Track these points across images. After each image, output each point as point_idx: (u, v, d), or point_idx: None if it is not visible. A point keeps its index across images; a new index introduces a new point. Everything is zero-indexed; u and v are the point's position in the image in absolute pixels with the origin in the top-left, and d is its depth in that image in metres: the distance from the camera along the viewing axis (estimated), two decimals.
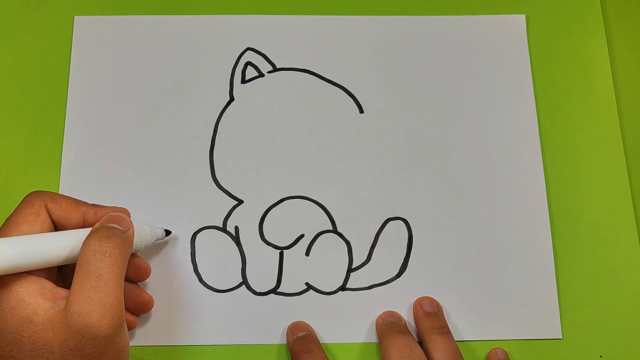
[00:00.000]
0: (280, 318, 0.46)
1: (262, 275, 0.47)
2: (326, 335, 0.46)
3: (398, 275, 0.47)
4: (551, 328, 0.46)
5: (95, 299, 0.34)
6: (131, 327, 0.43)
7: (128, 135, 0.50)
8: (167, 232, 0.46)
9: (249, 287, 0.47)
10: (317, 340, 0.45)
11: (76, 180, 0.48)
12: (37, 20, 0.52)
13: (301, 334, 0.45)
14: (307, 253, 0.48)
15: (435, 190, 0.49)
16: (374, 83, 0.52)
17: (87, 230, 0.39)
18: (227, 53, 0.52)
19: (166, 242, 0.47)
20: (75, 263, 0.36)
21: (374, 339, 0.46)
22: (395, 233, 0.48)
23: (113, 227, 0.38)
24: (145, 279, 0.45)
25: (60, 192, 0.48)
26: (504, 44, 0.53)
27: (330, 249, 0.48)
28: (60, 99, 0.50)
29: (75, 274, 0.35)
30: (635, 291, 0.47)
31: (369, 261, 0.48)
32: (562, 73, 0.52)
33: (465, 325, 0.46)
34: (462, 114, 0.51)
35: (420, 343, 0.45)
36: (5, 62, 0.51)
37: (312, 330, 0.46)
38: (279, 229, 0.48)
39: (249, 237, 0.48)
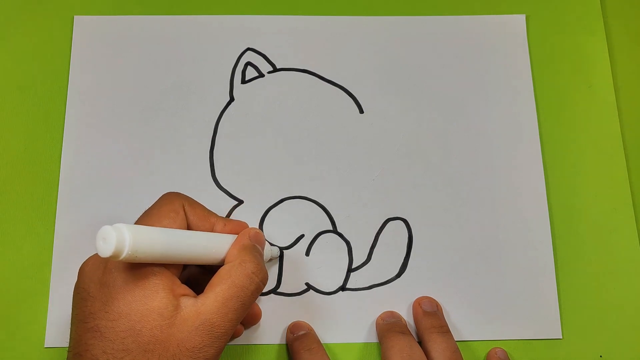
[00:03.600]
0: (280, 318, 0.46)
1: None
2: (326, 335, 0.46)
3: (398, 275, 0.48)
4: (551, 328, 0.46)
5: (232, 317, 0.36)
6: (237, 335, 0.45)
7: (128, 135, 0.50)
8: (281, 252, 0.47)
9: None
10: (317, 339, 0.45)
11: (76, 180, 0.48)
12: (37, 20, 0.52)
13: (301, 332, 0.45)
14: (307, 253, 0.48)
15: (435, 190, 0.49)
16: (374, 83, 0.52)
17: (233, 237, 0.41)
18: (227, 53, 0.52)
19: None
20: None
21: (374, 339, 0.46)
22: (395, 233, 0.48)
23: (262, 254, 0.40)
24: (256, 322, 0.46)
25: (60, 192, 0.48)
26: (504, 44, 0.53)
27: (330, 249, 0.48)
28: (60, 99, 0.50)
29: (220, 284, 0.37)
30: (635, 291, 0.47)
31: (369, 261, 0.48)
32: (562, 73, 0.52)
33: (465, 325, 0.46)
34: (462, 114, 0.51)
35: (420, 342, 0.45)
36: (5, 62, 0.51)
37: (312, 330, 0.46)
38: (279, 229, 0.48)
39: None
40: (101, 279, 0.36)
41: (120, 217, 0.48)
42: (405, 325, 0.45)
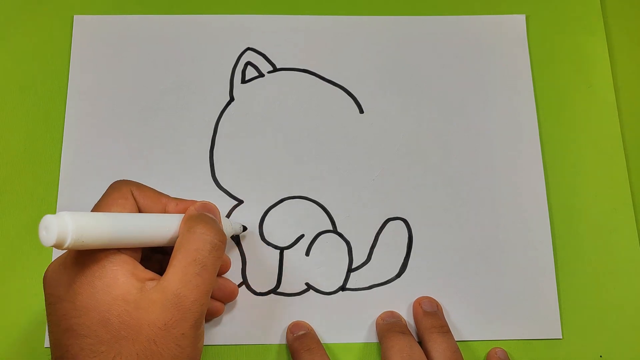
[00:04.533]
0: (280, 318, 0.46)
1: (262, 275, 0.47)
2: (326, 335, 0.46)
3: (398, 275, 0.48)
4: (551, 328, 0.46)
5: (196, 284, 0.36)
6: (218, 314, 0.45)
7: (128, 135, 0.50)
8: (244, 228, 0.47)
9: (249, 287, 0.47)
10: (317, 339, 0.45)
11: (76, 180, 0.48)
12: (37, 20, 0.52)
13: (301, 332, 0.45)
14: (307, 253, 0.48)
15: (435, 190, 0.49)
16: (374, 83, 0.52)
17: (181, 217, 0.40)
18: (227, 53, 0.52)
19: None
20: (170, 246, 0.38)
21: (374, 339, 0.46)
22: (395, 233, 0.48)
23: (213, 219, 0.39)
24: (225, 272, 0.46)
25: (59, 192, 0.48)
26: (504, 44, 0.53)
27: (330, 249, 0.48)
28: (60, 99, 0.50)
29: (176, 256, 0.36)
30: (635, 291, 0.47)
31: (369, 261, 0.48)
32: (562, 73, 0.52)
33: (465, 325, 0.46)
34: (462, 114, 0.51)
35: (420, 343, 0.45)
36: (5, 62, 0.51)
37: (312, 329, 0.46)
38: (279, 229, 0.48)
39: (249, 237, 0.48)
40: (64, 279, 0.36)
41: None
42: (405, 325, 0.45)
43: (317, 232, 0.48)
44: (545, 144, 0.51)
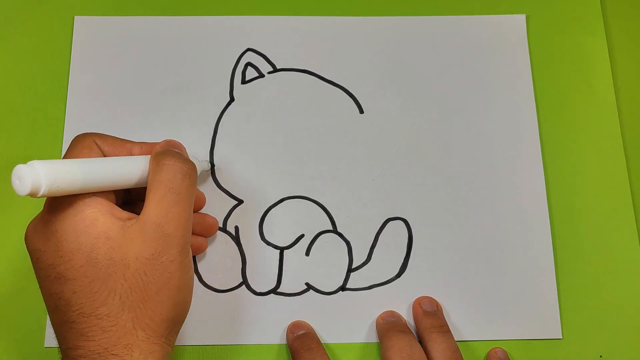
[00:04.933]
0: (280, 318, 0.46)
1: (262, 275, 0.47)
2: (326, 335, 0.46)
3: (398, 275, 0.48)
4: (551, 328, 0.46)
5: (175, 212, 0.37)
6: (202, 249, 0.46)
7: (128, 136, 0.49)
8: (211, 164, 0.48)
9: (249, 287, 0.47)
10: (317, 339, 0.45)
11: None
12: (37, 20, 0.52)
13: (301, 332, 0.45)
14: (307, 253, 0.48)
15: (435, 190, 0.49)
16: (374, 83, 0.52)
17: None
18: (228, 54, 0.52)
19: None
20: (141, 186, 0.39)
21: (374, 339, 0.46)
22: (395, 233, 0.48)
23: (179, 152, 0.40)
24: (201, 208, 0.46)
25: None
26: (504, 44, 0.53)
27: (330, 249, 0.48)
28: (61, 100, 0.50)
29: (151, 190, 0.37)
30: (635, 291, 0.47)
31: (369, 261, 0.48)
32: (562, 73, 0.52)
33: (465, 325, 0.46)
34: (462, 114, 0.51)
35: (420, 342, 0.45)
36: (5, 62, 0.51)
37: (312, 329, 0.46)
38: (279, 229, 0.48)
39: (249, 237, 0.48)
40: (45, 232, 0.36)
41: None
42: (406, 324, 0.45)
43: (317, 232, 0.48)
44: (545, 144, 0.51)
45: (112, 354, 0.35)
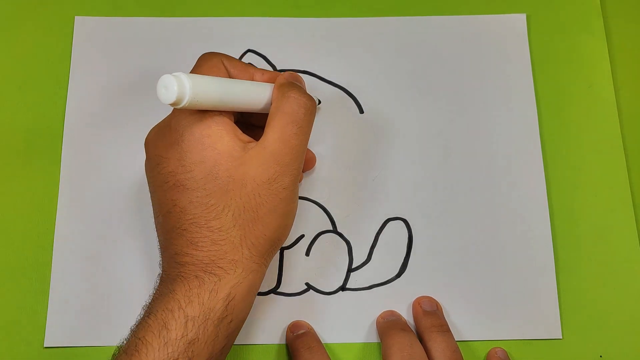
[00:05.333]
0: (280, 318, 0.46)
1: None
2: (326, 335, 0.46)
3: (398, 275, 0.47)
4: (551, 328, 0.46)
5: (293, 143, 0.39)
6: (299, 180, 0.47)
7: (128, 136, 0.50)
8: (319, 101, 0.49)
9: None
10: (318, 338, 0.45)
11: (76, 180, 0.48)
12: (37, 20, 0.52)
13: (301, 331, 0.45)
14: (307, 253, 0.48)
15: (435, 190, 0.49)
16: (374, 83, 0.52)
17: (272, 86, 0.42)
18: (228, 54, 0.52)
19: None
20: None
21: (374, 339, 0.46)
22: (395, 233, 0.48)
23: (299, 85, 0.42)
24: (310, 169, 0.49)
25: (60, 192, 0.48)
26: (504, 43, 0.53)
27: (330, 249, 0.48)
28: (60, 99, 0.50)
29: (274, 119, 0.39)
30: (635, 291, 0.47)
31: (369, 261, 0.48)
32: (562, 73, 0.52)
33: (465, 325, 0.46)
34: (463, 114, 0.51)
35: (420, 342, 0.45)
36: (5, 62, 0.51)
37: (312, 329, 0.46)
38: None
39: None
40: (169, 140, 0.38)
41: (121, 217, 0.48)
42: (406, 323, 0.45)
43: (317, 232, 0.48)
44: (546, 143, 0.51)
45: (218, 266, 0.37)
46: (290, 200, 0.39)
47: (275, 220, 0.38)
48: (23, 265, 0.47)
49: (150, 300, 0.38)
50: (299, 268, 0.47)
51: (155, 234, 0.45)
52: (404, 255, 0.48)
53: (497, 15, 0.54)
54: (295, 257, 0.48)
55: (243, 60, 0.52)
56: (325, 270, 0.47)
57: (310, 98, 0.40)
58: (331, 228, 0.48)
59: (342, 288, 0.47)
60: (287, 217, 0.40)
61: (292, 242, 0.48)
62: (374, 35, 0.53)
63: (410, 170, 0.50)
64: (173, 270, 0.38)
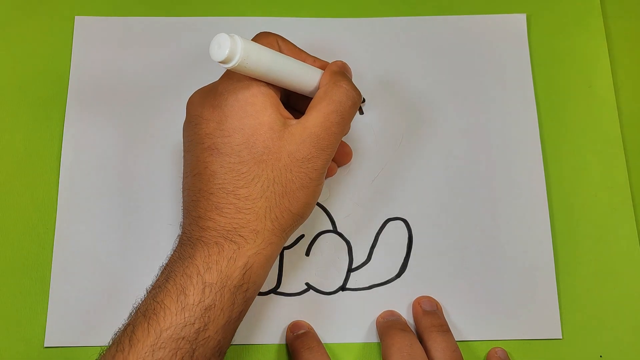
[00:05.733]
0: (280, 318, 0.46)
1: None
2: (326, 335, 0.46)
3: (398, 275, 0.48)
4: (551, 328, 0.46)
5: (333, 131, 0.39)
6: (332, 173, 0.48)
7: (128, 136, 0.50)
8: (364, 100, 0.49)
9: None
10: (318, 338, 0.45)
11: (76, 180, 0.48)
12: (37, 20, 0.52)
13: (301, 331, 0.45)
14: (307, 253, 0.48)
15: (435, 190, 0.49)
16: (374, 83, 0.52)
17: (321, 72, 0.43)
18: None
19: (167, 242, 0.47)
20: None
21: (374, 339, 0.46)
22: (395, 233, 0.48)
23: (349, 77, 0.43)
24: (345, 163, 0.50)
25: (59, 192, 0.48)
26: (504, 43, 0.53)
27: (330, 249, 0.48)
28: (60, 99, 0.50)
29: (321, 103, 0.40)
30: (635, 291, 0.47)
31: (369, 261, 0.48)
32: (562, 73, 0.52)
33: (465, 325, 0.46)
34: (462, 114, 0.51)
35: (420, 342, 0.45)
36: (5, 62, 0.51)
37: (312, 329, 0.46)
38: None
39: None
40: (213, 102, 0.39)
41: (121, 217, 0.48)
42: (406, 323, 0.45)
43: (317, 232, 0.48)
44: (546, 143, 0.51)
45: (239, 234, 0.38)
46: (319, 181, 0.40)
47: (302, 197, 0.39)
48: (23, 265, 0.47)
49: (167, 261, 0.39)
50: (299, 268, 0.47)
51: (153, 234, 0.45)
52: (404, 255, 0.48)
53: (497, 15, 0.54)
54: (295, 257, 0.48)
55: None
56: (325, 270, 0.47)
57: (359, 93, 0.41)
58: (331, 228, 0.48)
59: (342, 288, 0.47)
60: (314, 196, 0.40)
61: (292, 242, 0.48)
62: (374, 36, 0.53)
63: (410, 170, 0.50)
64: (194, 234, 0.38)
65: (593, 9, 0.54)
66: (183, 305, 0.36)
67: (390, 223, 0.49)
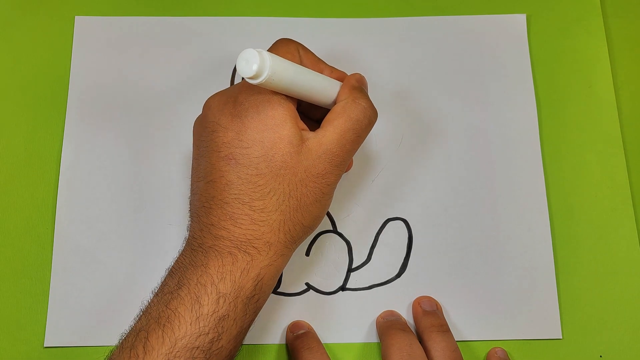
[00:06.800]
0: (280, 318, 0.46)
1: None
2: (326, 335, 0.46)
3: (398, 275, 0.48)
4: (551, 328, 0.46)
5: (348, 148, 0.40)
6: (348, 169, 0.48)
7: (128, 136, 0.50)
8: None
9: None
10: (317, 338, 0.45)
11: (76, 180, 0.48)
12: (37, 20, 0.52)
13: (301, 331, 0.45)
14: (307, 253, 0.48)
15: (435, 190, 0.49)
16: (373, 83, 0.51)
17: (339, 84, 0.42)
18: (228, 54, 0.52)
19: (166, 242, 0.47)
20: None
21: (374, 339, 0.46)
22: (395, 233, 0.48)
23: (367, 93, 0.43)
24: (347, 170, 0.49)
25: (59, 192, 0.48)
26: (504, 44, 0.53)
27: (330, 249, 0.48)
28: (61, 99, 0.50)
29: (338, 119, 0.40)
30: (635, 291, 0.47)
31: (369, 261, 0.48)
32: (562, 73, 0.52)
33: (465, 325, 0.46)
34: (462, 114, 0.51)
35: (420, 342, 0.44)
36: (5, 62, 0.51)
37: (312, 329, 0.46)
38: None
39: None
40: (232, 111, 0.39)
41: (121, 217, 0.48)
42: (406, 323, 0.45)
43: (317, 232, 0.48)
44: (545, 143, 0.51)
45: (253, 246, 0.38)
46: (330, 195, 0.40)
47: (315, 210, 0.39)
48: (23, 265, 0.47)
49: (176, 265, 0.39)
50: (299, 268, 0.47)
51: (153, 234, 0.45)
52: (404, 255, 0.48)
53: (497, 15, 0.54)
54: (295, 257, 0.47)
55: None
56: (325, 270, 0.47)
57: (375, 111, 0.41)
58: (331, 228, 0.48)
59: (342, 288, 0.47)
60: (325, 210, 0.41)
61: None
62: (374, 36, 0.53)
63: (410, 170, 0.50)
64: (207, 241, 0.38)
65: (593, 9, 0.54)
66: (198, 315, 0.36)
67: (390, 223, 0.49)
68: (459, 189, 0.49)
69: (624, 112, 0.52)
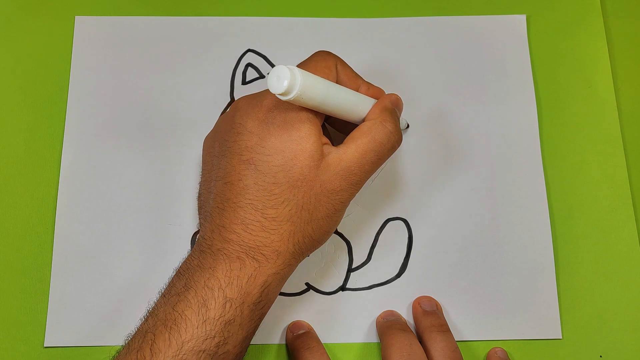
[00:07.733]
0: (280, 318, 0.46)
1: None
2: (326, 335, 0.46)
3: (398, 275, 0.48)
4: (551, 328, 0.46)
5: (367, 169, 0.40)
6: None
7: (128, 136, 0.50)
8: (407, 125, 0.49)
9: None
10: (317, 338, 0.45)
11: (76, 180, 0.48)
12: (37, 20, 0.52)
13: (301, 331, 0.45)
14: None
15: (435, 190, 0.49)
16: (374, 83, 0.51)
17: (373, 101, 0.43)
18: (228, 54, 0.52)
19: (166, 242, 0.47)
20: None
21: (374, 339, 0.46)
22: (395, 233, 0.48)
23: (398, 117, 0.43)
24: None
25: (59, 192, 0.48)
26: (504, 44, 0.53)
27: (330, 249, 0.48)
28: (60, 99, 0.50)
29: (362, 138, 0.40)
30: (635, 291, 0.47)
31: (369, 261, 0.48)
32: (562, 73, 0.52)
33: (465, 325, 0.46)
34: (462, 114, 0.51)
35: (420, 342, 0.44)
36: (5, 62, 0.51)
37: (312, 328, 0.46)
38: None
39: None
40: (260, 116, 0.39)
41: (121, 217, 0.48)
42: (406, 323, 0.45)
43: None
44: (545, 144, 0.51)
45: (262, 253, 0.38)
46: (342, 213, 0.41)
47: (325, 225, 0.40)
48: (23, 265, 0.47)
49: (184, 266, 0.39)
50: (299, 268, 0.47)
51: (153, 234, 0.45)
52: (404, 255, 0.48)
53: (497, 15, 0.54)
54: None
55: (243, 60, 0.52)
56: (325, 270, 0.47)
57: (400, 137, 0.42)
58: None
59: (342, 288, 0.47)
60: (335, 226, 0.41)
61: None
62: (374, 36, 0.53)
63: (410, 170, 0.50)
64: (216, 243, 0.38)
65: (593, 9, 0.54)
66: (204, 319, 0.36)
67: (390, 223, 0.49)
68: (459, 189, 0.49)
69: (624, 112, 0.52)
